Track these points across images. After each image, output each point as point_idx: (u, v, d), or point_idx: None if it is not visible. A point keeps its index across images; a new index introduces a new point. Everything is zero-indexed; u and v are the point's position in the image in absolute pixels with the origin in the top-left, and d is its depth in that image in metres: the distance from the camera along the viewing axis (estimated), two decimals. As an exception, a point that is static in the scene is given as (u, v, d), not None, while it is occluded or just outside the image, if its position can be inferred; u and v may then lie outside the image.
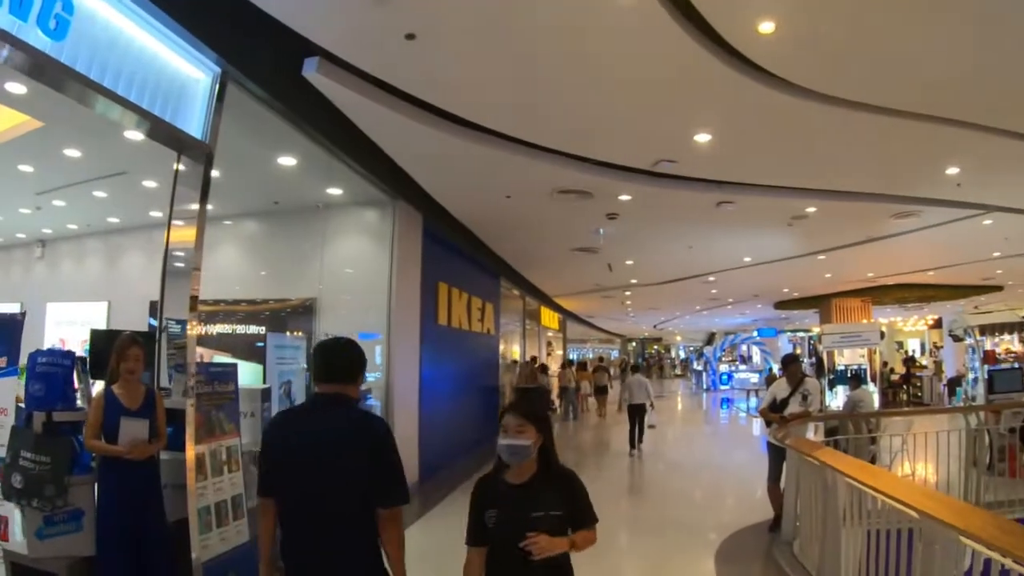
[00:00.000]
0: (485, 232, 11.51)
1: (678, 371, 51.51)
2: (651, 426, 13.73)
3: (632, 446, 12.77)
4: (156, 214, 9.61)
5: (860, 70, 5.45)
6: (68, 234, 10.90)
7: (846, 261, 15.49)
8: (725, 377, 31.34)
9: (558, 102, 6.10)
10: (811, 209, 10.04)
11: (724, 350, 32.35)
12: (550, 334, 28.84)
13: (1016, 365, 10.97)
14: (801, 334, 38.39)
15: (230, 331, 9.41)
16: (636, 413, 13.02)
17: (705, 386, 31.61)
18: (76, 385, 4.48)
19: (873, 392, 12.89)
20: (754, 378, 30.06)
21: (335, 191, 8.48)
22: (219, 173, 7.57)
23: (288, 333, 8.21)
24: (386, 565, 2.62)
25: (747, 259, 15.08)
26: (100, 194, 8.81)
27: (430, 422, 9.57)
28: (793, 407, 6.91)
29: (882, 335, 10.91)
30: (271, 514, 2.72)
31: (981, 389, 10.57)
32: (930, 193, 9.67)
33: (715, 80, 5.49)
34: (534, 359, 21.66)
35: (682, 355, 59.99)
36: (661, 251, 13.87)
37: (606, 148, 7.42)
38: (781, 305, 26.64)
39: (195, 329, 4.60)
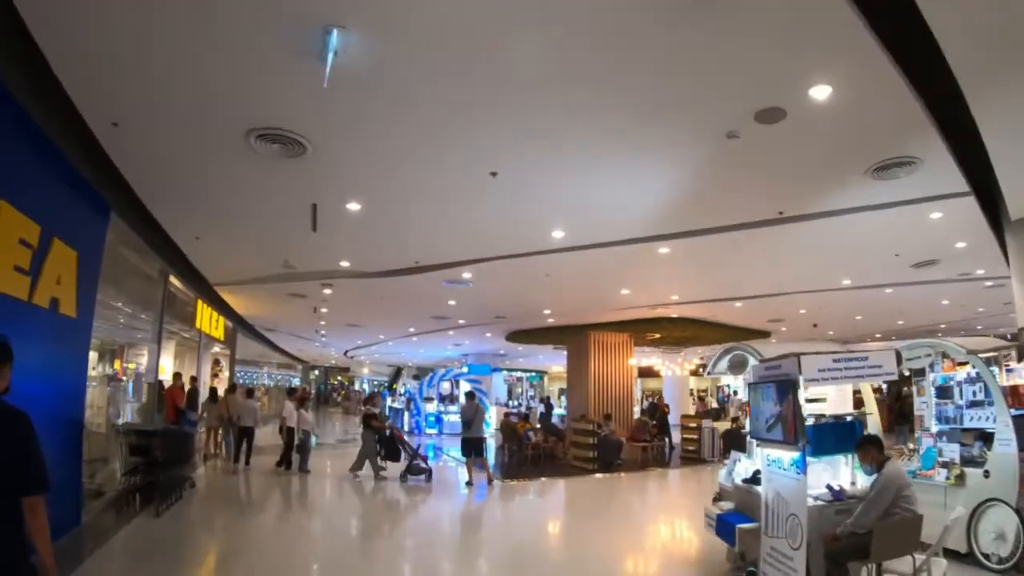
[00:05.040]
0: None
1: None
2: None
3: (236, 460, 14.72)
4: None
5: None
6: None
7: (679, 262, 11.05)
8: (433, 419, 25.53)
9: None
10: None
11: (433, 385, 26.56)
12: (217, 348, 20.98)
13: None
14: (519, 374, 34.40)
15: None
16: (244, 434, 14.81)
17: (407, 429, 25.49)
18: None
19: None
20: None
21: None
22: None
23: None
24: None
25: (558, 234, 9.42)
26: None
27: None
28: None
29: (899, 359, 5.54)
30: None
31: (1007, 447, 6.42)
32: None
33: None
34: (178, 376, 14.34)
35: (366, 389, 54.06)
36: (428, 179, 7.47)
37: None
38: (517, 337, 21.82)
39: None
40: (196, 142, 6.48)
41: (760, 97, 5.40)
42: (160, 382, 13.54)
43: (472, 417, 12.98)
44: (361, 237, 9.87)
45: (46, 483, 2.85)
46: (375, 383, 56.41)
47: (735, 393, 31.83)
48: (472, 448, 12.98)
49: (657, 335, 19.95)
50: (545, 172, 7.12)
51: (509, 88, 5.28)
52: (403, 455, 13.38)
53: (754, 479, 6.55)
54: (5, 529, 2.70)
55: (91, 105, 5.85)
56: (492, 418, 22.18)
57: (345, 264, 11.70)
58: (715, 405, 29.74)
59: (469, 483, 12.68)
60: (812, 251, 10.57)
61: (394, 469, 13.26)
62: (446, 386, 30.28)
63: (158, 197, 8.24)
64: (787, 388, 5.70)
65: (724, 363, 8.02)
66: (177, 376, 14.22)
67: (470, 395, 13.99)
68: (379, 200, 8.13)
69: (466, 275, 12.15)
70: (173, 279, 12.52)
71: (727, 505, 6.87)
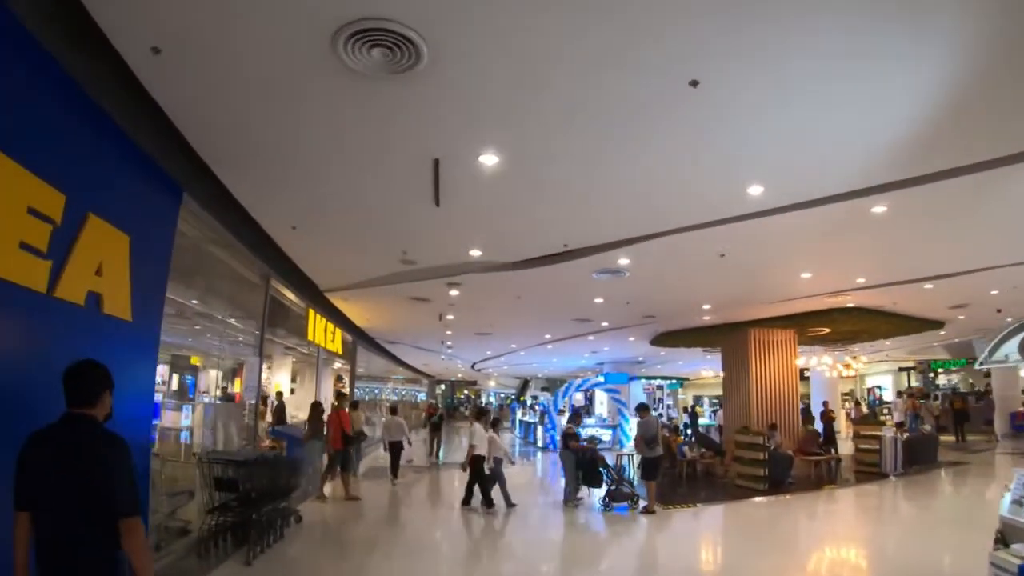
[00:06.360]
0: None
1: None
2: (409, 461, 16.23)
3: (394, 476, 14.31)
4: None
5: None
6: None
7: (888, 227, 8.61)
8: (571, 433, 23.35)
9: None
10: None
11: (568, 397, 24.32)
12: (338, 364, 19.72)
13: None
14: (659, 382, 31.85)
15: None
16: (394, 449, 14.58)
17: (542, 444, 23.42)
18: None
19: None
20: (606, 435, 22.50)
21: None
22: None
23: None
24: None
25: (755, 190, 6.96)
26: None
27: None
28: None
29: None
30: (25, 526, 2.89)
31: None
32: None
33: None
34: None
35: (493, 402, 52.88)
36: (600, 101, 5.26)
37: None
38: (662, 340, 19.37)
39: None
40: (264, 63, 4.53)
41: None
42: (317, 404, 12.20)
43: (655, 433, 11.03)
44: (498, 210, 7.71)
45: (134, 506, 2.92)
46: (502, 396, 55.22)
47: (899, 395, 28.35)
48: (655, 470, 11.06)
49: (825, 330, 16.97)
50: (763, 81, 4.74)
51: None
52: (605, 480, 11.51)
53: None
54: (97, 551, 2.84)
55: (120, 25, 4.02)
56: (632, 431, 19.76)
57: (476, 253, 9.64)
58: (865, 410, 26.32)
59: (652, 510, 10.63)
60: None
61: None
62: (579, 397, 28.17)
63: (228, 162, 6.37)
64: None
65: (1012, 345, 5.74)
66: (341, 396, 12.88)
67: (644, 408, 11.84)
68: (525, 145, 5.87)
69: (623, 261, 9.85)
70: (277, 284, 10.85)
71: (1024, 550, 4.99)
